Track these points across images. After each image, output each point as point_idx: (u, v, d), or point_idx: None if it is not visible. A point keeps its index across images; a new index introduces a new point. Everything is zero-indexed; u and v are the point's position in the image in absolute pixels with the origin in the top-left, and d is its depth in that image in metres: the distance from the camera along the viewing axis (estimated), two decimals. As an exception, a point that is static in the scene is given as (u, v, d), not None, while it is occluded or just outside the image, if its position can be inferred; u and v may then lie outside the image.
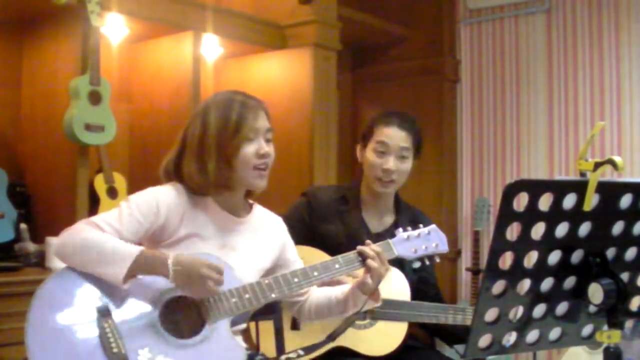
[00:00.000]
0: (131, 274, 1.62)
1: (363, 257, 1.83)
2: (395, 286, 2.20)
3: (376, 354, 2.13)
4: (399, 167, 2.27)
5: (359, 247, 1.84)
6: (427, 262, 1.95)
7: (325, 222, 2.29)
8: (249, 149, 1.78)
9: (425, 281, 2.34)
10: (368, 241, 1.87)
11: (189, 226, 1.78)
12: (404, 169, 2.29)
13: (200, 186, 1.80)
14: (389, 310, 2.17)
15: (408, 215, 2.37)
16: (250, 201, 1.95)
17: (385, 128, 2.29)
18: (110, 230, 1.68)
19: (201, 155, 1.78)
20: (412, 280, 2.26)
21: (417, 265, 1.96)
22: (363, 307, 1.88)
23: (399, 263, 2.19)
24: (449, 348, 2.52)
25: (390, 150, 2.26)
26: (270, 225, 1.96)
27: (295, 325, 2.21)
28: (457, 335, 2.30)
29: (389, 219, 2.38)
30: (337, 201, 2.33)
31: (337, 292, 1.93)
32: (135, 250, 1.64)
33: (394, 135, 2.27)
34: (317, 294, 1.97)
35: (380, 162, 2.26)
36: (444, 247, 1.97)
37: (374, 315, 2.18)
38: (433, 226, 1.98)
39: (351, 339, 2.13)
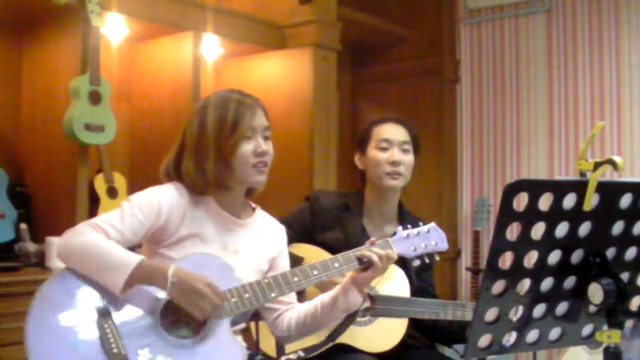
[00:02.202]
0: (130, 283, 1.61)
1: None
2: (396, 283, 2.20)
3: (376, 350, 2.13)
4: (404, 159, 2.30)
5: (365, 249, 1.83)
6: (427, 261, 1.96)
7: (326, 229, 2.30)
8: (247, 148, 1.78)
9: (424, 290, 2.34)
10: (373, 238, 1.88)
11: (190, 226, 1.77)
12: (408, 162, 2.33)
13: (198, 185, 1.79)
14: (389, 307, 2.17)
15: (411, 224, 2.37)
16: (253, 205, 1.95)
17: (383, 126, 2.35)
18: (112, 231, 1.68)
19: (199, 154, 1.78)
20: (415, 287, 2.26)
21: (417, 263, 1.96)
22: (361, 305, 1.87)
23: (404, 266, 2.20)
24: (448, 348, 2.51)
25: (393, 144, 2.31)
26: (272, 230, 1.95)
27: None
28: (454, 335, 2.29)
29: (391, 229, 2.37)
30: (338, 207, 2.34)
31: (323, 297, 1.90)
32: (135, 259, 1.61)
33: (394, 131, 2.34)
34: (300, 307, 1.92)
35: (385, 156, 2.30)
36: (443, 245, 1.97)
37: (374, 312, 2.18)
38: (432, 224, 1.99)
39: (351, 336, 2.13)
